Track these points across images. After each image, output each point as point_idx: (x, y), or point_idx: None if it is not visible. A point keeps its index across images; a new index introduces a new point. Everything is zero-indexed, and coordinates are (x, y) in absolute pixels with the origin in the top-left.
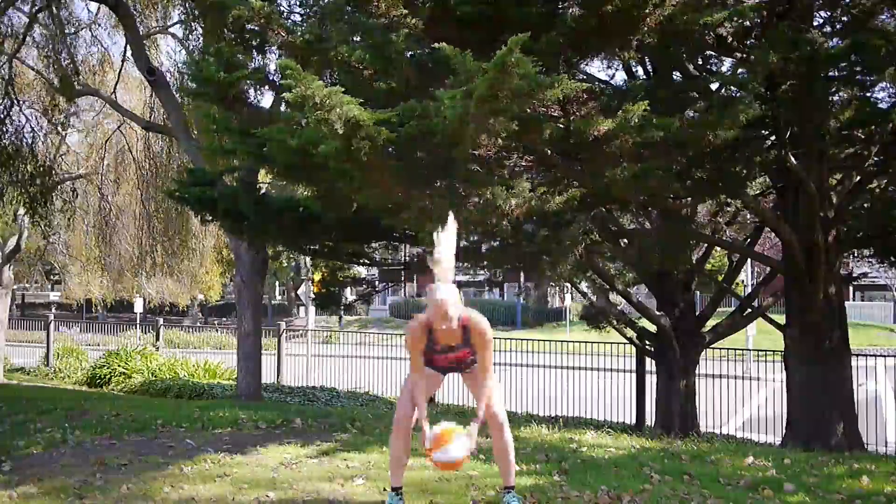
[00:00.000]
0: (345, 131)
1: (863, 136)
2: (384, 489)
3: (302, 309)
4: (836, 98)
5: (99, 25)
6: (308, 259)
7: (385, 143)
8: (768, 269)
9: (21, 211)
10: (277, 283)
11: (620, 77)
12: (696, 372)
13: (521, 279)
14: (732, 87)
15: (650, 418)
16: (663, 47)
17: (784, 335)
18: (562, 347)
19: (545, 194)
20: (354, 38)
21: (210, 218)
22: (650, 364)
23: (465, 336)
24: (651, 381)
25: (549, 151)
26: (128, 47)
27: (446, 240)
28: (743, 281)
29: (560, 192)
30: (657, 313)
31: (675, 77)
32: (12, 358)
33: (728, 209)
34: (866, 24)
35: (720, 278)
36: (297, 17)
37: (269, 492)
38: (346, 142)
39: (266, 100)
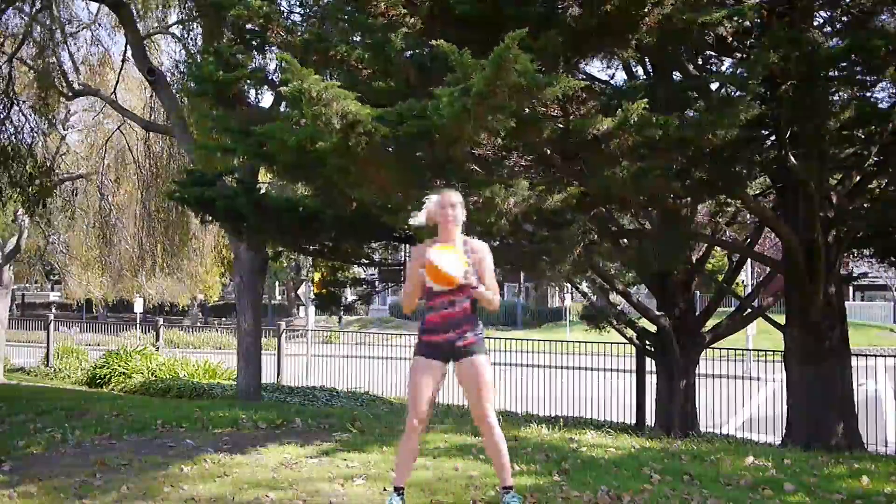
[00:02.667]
0: (342, 127)
1: (863, 136)
2: (384, 489)
3: (302, 309)
4: (836, 98)
5: (99, 25)
6: (308, 259)
7: (382, 139)
8: (768, 269)
9: (21, 211)
10: (277, 283)
11: (620, 77)
12: (696, 372)
13: (521, 279)
14: (732, 87)
15: (650, 418)
16: (663, 47)
17: (784, 335)
18: (562, 347)
19: (542, 192)
20: (354, 38)
21: (210, 218)
22: (650, 364)
23: (466, 251)
24: (651, 381)
25: (548, 151)
26: (128, 47)
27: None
28: (743, 281)
29: (559, 190)
30: (657, 313)
31: (675, 77)
32: (12, 358)
33: (728, 209)
34: (866, 24)
35: (720, 278)
36: (297, 18)
37: (269, 492)
38: (343, 138)
39: (266, 100)
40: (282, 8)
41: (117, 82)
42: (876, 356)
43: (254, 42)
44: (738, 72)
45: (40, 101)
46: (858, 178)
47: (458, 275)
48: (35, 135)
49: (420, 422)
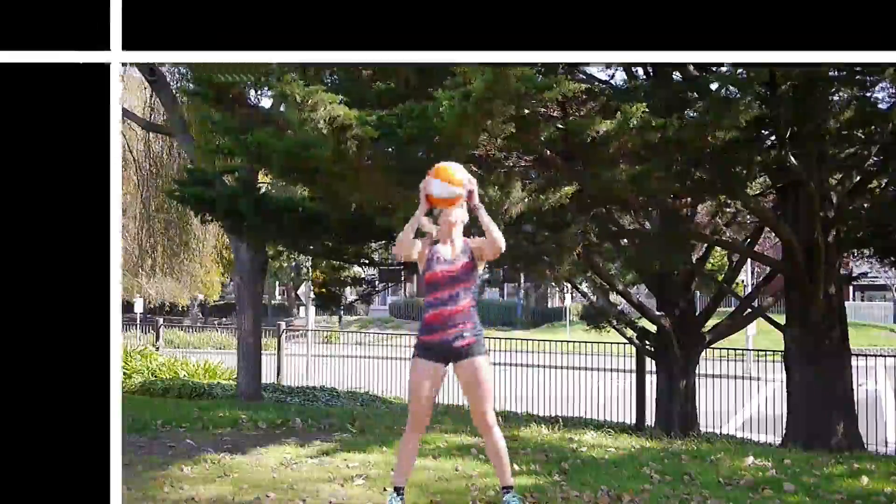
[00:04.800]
0: (330, 132)
1: (863, 136)
2: (384, 489)
3: (302, 309)
4: (836, 98)
5: None
6: (308, 259)
7: (373, 142)
8: (768, 269)
9: None
10: (277, 283)
11: (620, 77)
12: (696, 372)
13: (521, 279)
14: (732, 87)
15: (650, 418)
16: None
17: (784, 335)
18: (562, 347)
19: (535, 192)
20: None
21: (210, 218)
22: (650, 364)
23: (466, 247)
24: (651, 381)
25: (548, 152)
26: None
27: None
28: (743, 281)
29: (554, 189)
30: (657, 313)
31: (675, 77)
32: None
33: (728, 209)
34: None
35: (720, 278)
36: None
37: (269, 492)
38: (335, 143)
39: (267, 100)
40: None
41: None
42: (876, 356)
43: None
44: (738, 72)
45: None
46: (858, 178)
47: (462, 178)
48: None
49: (419, 423)
